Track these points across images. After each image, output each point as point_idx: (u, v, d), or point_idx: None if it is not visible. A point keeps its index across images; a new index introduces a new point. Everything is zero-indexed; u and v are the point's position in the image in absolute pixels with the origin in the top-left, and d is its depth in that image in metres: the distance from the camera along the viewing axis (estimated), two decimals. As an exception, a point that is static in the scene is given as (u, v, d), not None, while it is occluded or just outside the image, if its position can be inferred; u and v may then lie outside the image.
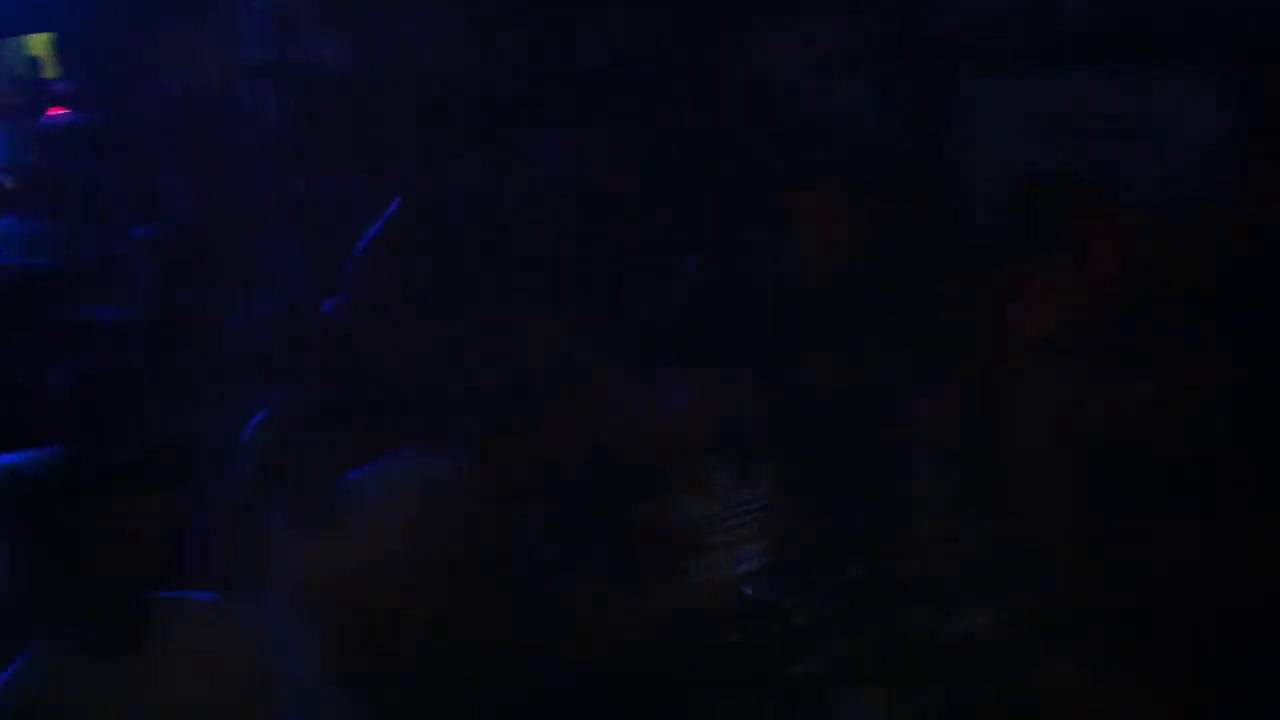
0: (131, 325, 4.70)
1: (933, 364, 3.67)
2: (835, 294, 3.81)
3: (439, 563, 3.33)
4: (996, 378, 3.58)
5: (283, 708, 2.91)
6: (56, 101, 10.15)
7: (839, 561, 3.33)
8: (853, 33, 4.95)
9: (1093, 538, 3.17)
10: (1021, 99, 4.39)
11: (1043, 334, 3.58)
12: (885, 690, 3.13)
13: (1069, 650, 3.05)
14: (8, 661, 2.72)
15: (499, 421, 3.59)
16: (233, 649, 2.87)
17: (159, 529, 2.72)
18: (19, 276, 4.75)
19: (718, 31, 5.50)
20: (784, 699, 3.17)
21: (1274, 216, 3.52)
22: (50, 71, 11.62)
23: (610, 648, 3.29)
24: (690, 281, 4.06)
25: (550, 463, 3.57)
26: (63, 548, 2.64)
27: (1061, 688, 3.03)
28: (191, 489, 3.40)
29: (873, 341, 3.74)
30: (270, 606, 3.08)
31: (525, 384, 3.62)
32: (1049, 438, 3.39)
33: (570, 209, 4.82)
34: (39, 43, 12.40)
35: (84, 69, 10.78)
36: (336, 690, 3.11)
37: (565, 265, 4.41)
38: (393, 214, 4.82)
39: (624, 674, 3.27)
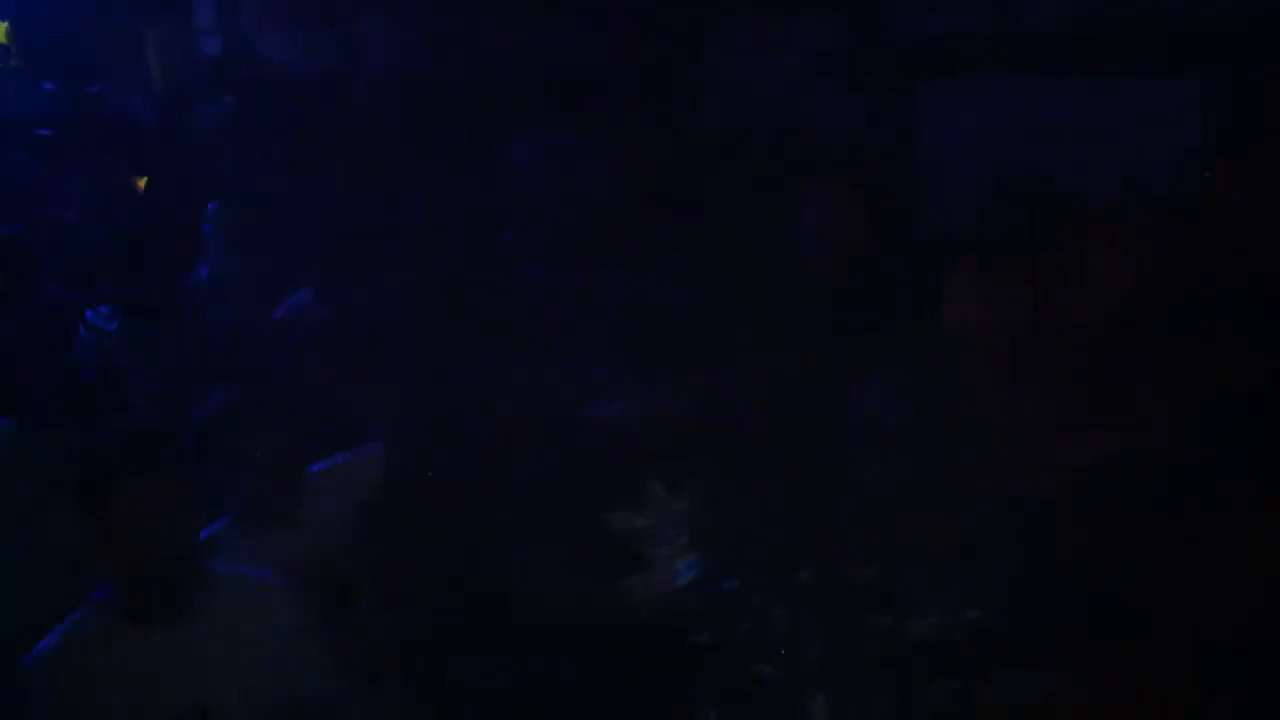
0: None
1: (897, 363, 3.68)
2: (801, 293, 3.80)
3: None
4: (963, 378, 3.60)
5: (312, 686, 2.94)
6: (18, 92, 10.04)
7: (798, 564, 3.31)
8: (831, 37, 4.97)
9: (1061, 540, 3.19)
10: (997, 103, 4.40)
11: (1013, 336, 3.60)
12: (845, 694, 3.11)
13: (1032, 654, 3.04)
14: (47, 629, 2.74)
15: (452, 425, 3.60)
16: (270, 626, 2.88)
17: (189, 500, 2.76)
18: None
19: (696, 34, 5.50)
20: (740, 705, 3.15)
21: (1249, 220, 3.55)
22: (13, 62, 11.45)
23: (563, 653, 3.27)
24: (643, 289, 4.06)
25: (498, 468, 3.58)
26: (99, 517, 2.66)
27: (1023, 692, 3.02)
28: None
29: (835, 341, 3.74)
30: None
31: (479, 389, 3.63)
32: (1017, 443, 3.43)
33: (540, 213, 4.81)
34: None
35: (42, 60, 10.64)
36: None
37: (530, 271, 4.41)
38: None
39: (578, 680, 3.25)
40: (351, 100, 7.08)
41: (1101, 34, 4.19)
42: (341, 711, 3.07)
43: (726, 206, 4.35)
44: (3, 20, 11.74)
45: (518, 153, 5.38)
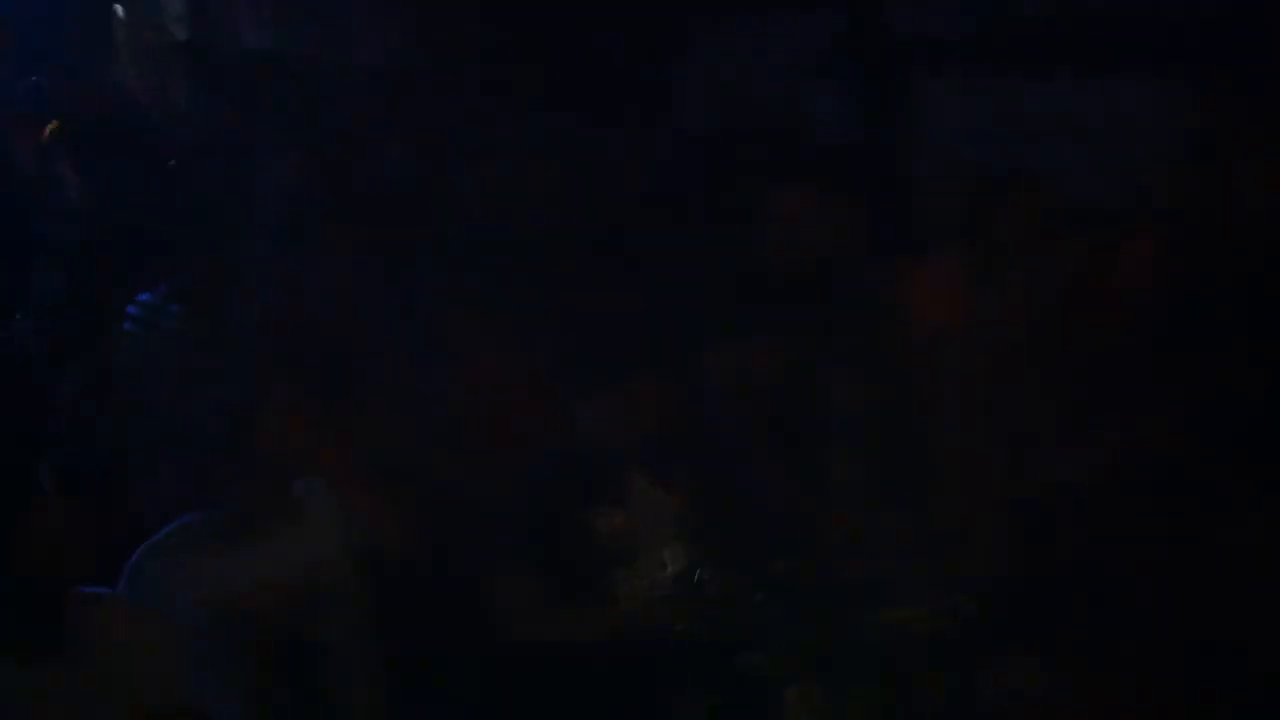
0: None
1: (873, 359, 3.66)
2: (775, 289, 3.76)
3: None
4: (938, 373, 3.57)
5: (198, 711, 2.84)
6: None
7: (778, 557, 3.31)
8: (812, 33, 4.94)
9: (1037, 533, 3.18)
10: (977, 99, 4.38)
11: (986, 332, 3.58)
12: (827, 686, 3.10)
13: (1013, 645, 3.06)
14: None
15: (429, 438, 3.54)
16: (152, 650, 2.80)
17: (86, 531, 2.69)
18: None
19: (676, 30, 5.46)
20: (724, 697, 3.14)
21: (1227, 219, 3.51)
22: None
23: (547, 651, 3.25)
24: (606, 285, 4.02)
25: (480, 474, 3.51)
26: None
27: (1005, 682, 3.03)
28: (118, 493, 3.34)
29: (812, 336, 3.71)
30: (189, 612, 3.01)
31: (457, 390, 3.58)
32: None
33: (515, 204, 4.75)
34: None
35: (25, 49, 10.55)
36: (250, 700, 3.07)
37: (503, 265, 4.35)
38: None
39: (563, 677, 3.23)
40: (333, 91, 7.04)
41: (1092, 32, 4.15)
42: None
43: (712, 205, 4.31)
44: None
45: (498, 150, 5.35)
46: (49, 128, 6.77)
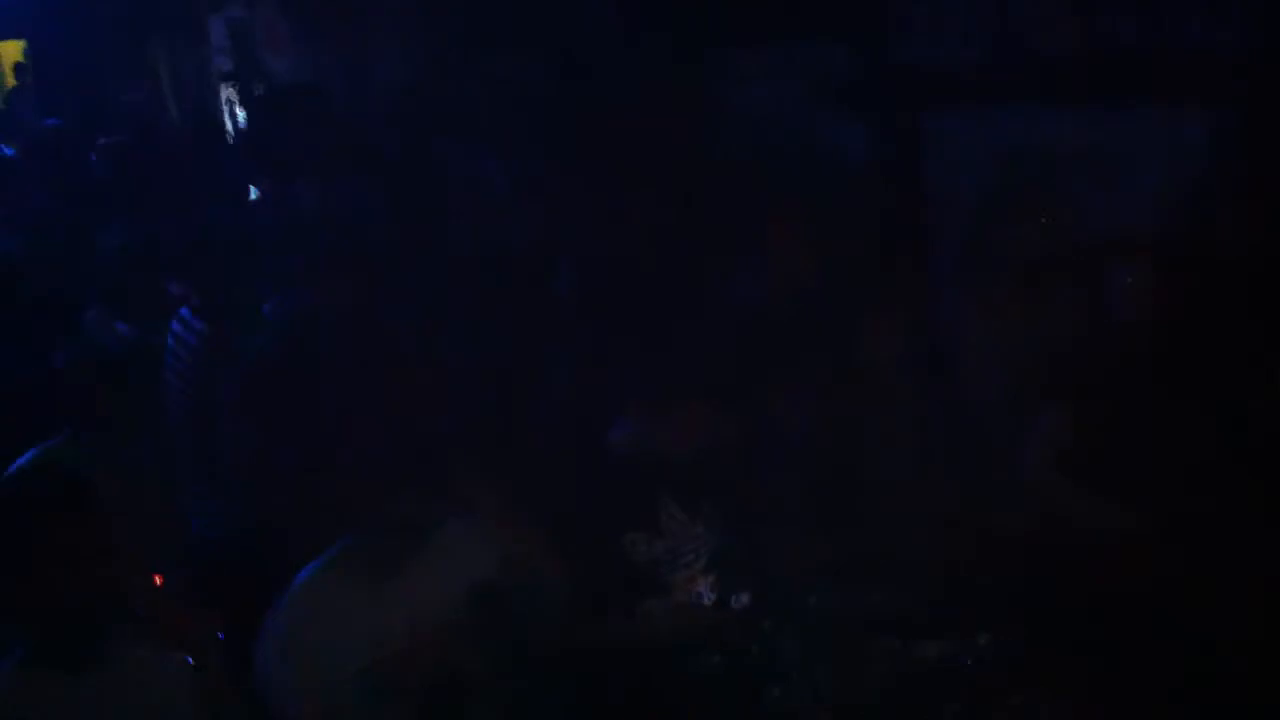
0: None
1: (896, 392, 3.67)
2: (801, 320, 3.78)
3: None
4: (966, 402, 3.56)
5: None
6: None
7: (809, 591, 3.32)
8: (827, 65, 4.96)
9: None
10: (991, 132, 4.38)
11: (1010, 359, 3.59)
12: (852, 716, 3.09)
13: (1039, 681, 3.02)
14: None
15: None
16: (184, 670, 2.77)
17: (111, 546, 2.65)
18: None
19: (693, 61, 5.49)
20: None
21: (1244, 251, 3.52)
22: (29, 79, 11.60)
23: (579, 678, 3.24)
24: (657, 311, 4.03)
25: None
26: (15, 562, 2.58)
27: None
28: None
29: (838, 367, 3.72)
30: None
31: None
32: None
33: (545, 236, 4.79)
34: (12, 50, 12.41)
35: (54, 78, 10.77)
36: None
37: (534, 290, 4.38)
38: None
39: (596, 705, 3.23)
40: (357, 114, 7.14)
41: (1104, 63, 4.15)
42: None
43: (738, 231, 4.34)
44: (19, 39, 11.93)
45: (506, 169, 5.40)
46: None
